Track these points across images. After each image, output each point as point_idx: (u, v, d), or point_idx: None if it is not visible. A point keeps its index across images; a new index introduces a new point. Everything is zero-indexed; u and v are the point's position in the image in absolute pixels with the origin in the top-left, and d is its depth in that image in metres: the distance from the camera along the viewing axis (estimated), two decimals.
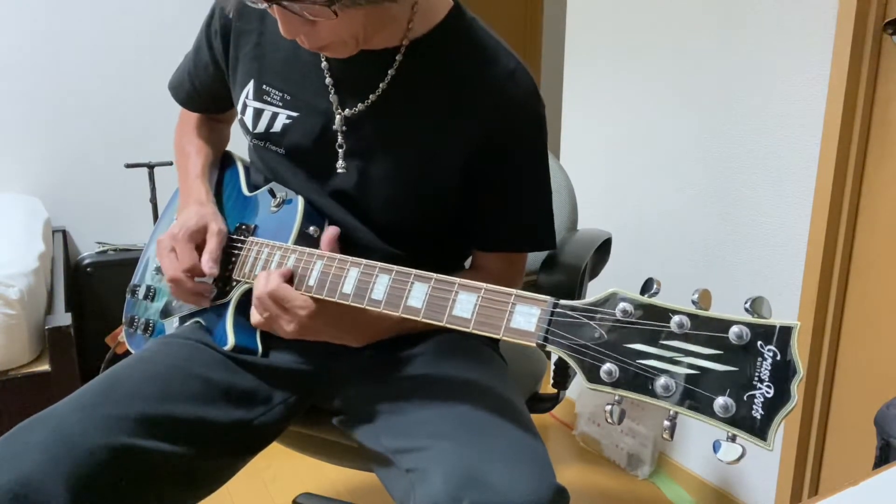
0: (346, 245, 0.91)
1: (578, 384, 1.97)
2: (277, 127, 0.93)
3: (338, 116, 0.90)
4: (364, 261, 0.77)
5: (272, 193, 0.96)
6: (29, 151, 2.18)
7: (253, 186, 1.03)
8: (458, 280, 0.71)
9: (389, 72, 0.88)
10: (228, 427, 0.87)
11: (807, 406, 1.44)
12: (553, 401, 1.14)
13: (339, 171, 0.91)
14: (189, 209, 0.95)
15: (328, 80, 0.90)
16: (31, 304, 1.50)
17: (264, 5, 0.74)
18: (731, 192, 1.52)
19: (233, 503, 1.69)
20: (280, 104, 0.93)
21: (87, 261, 2.13)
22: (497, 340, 1.08)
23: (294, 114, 0.92)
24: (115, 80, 2.19)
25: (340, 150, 0.91)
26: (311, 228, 0.91)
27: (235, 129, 1.14)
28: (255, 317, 0.83)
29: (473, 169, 0.91)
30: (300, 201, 0.92)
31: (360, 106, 0.90)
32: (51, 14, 2.12)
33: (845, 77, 1.25)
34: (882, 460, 1.04)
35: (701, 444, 1.70)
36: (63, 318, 1.49)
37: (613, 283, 1.71)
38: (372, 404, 0.89)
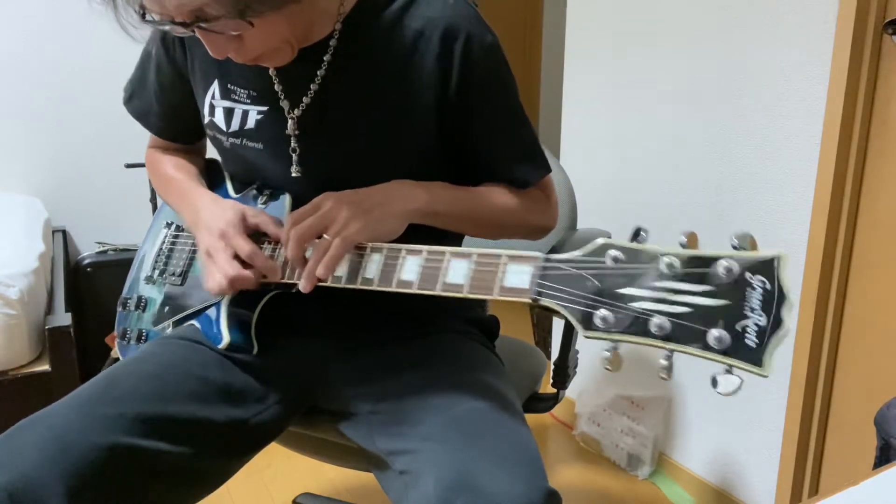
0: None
1: (578, 384, 1.97)
2: (251, 123, 0.92)
3: (290, 121, 0.90)
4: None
5: (259, 191, 0.96)
6: (29, 151, 2.18)
7: (239, 187, 1.02)
8: (448, 249, 0.71)
9: (325, 57, 0.88)
10: (225, 426, 0.86)
11: (807, 406, 1.44)
12: (553, 401, 1.14)
13: (294, 174, 0.91)
14: (211, 209, 0.90)
15: (277, 87, 0.90)
16: (31, 304, 1.50)
17: (183, 32, 0.74)
18: (731, 192, 1.52)
19: (233, 503, 1.69)
20: (248, 101, 0.92)
21: (87, 261, 2.13)
22: (494, 340, 1.08)
23: (264, 108, 0.92)
24: (116, 80, 2.19)
25: (294, 156, 0.91)
26: None
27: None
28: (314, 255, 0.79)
29: (445, 117, 0.90)
30: (287, 196, 0.92)
31: (305, 100, 0.89)
32: (51, 14, 2.12)
33: (845, 77, 1.25)
34: (882, 460, 1.04)
35: (701, 444, 1.70)
36: (63, 318, 1.49)
37: None
38: (367, 406, 0.89)
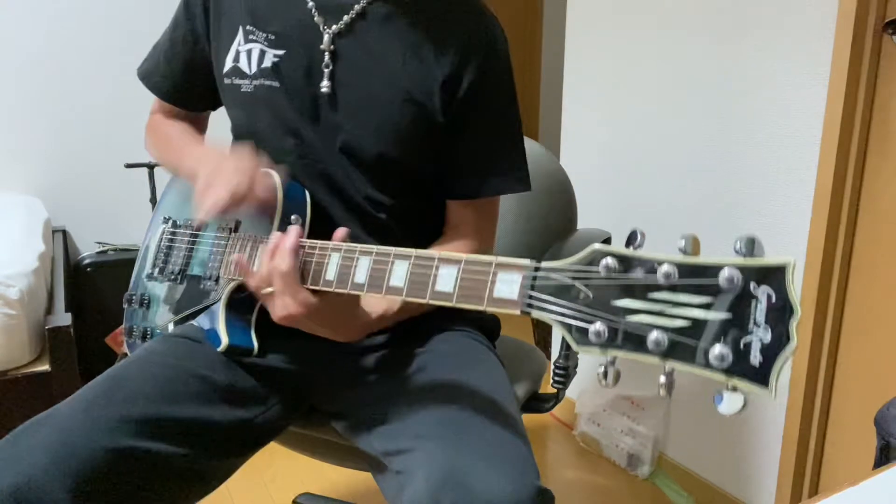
0: (333, 190, 0.94)
1: (578, 384, 1.97)
2: (268, 63, 0.95)
3: (325, 36, 0.93)
4: (344, 245, 0.77)
5: None
6: (29, 151, 2.18)
7: None
8: (437, 254, 0.68)
9: None
10: (228, 427, 0.87)
11: (807, 406, 1.44)
12: (553, 401, 1.14)
13: (323, 90, 0.93)
14: (219, 155, 0.89)
15: (310, 5, 0.93)
16: (31, 304, 1.50)
17: None
18: (730, 192, 1.52)
19: (233, 503, 1.69)
20: (265, 43, 0.95)
21: (87, 261, 2.13)
22: (494, 340, 1.08)
23: (280, 52, 0.94)
24: (116, 80, 2.19)
25: (326, 71, 0.93)
26: (293, 217, 0.89)
27: (212, 124, 1.12)
28: (253, 283, 0.81)
29: (449, 100, 0.94)
30: (279, 193, 0.90)
31: (346, 18, 0.93)
32: (52, 15, 2.12)
33: (845, 77, 1.25)
34: (882, 460, 1.04)
35: (701, 444, 1.70)
36: (63, 318, 1.49)
37: None
38: (366, 407, 0.89)
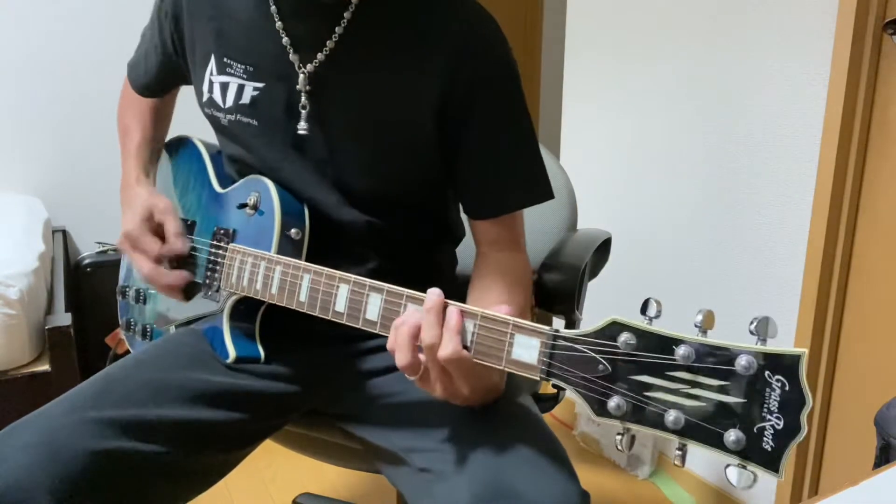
0: (327, 221, 0.91)
1: None
2: (246, 99, 0.91)
3: (301, 75, 0.88)
4: (353, 277, 0.75)
5: (246, 195, 0.93)
6: (29, 151, 2.18)
7: (225, 180, 1.00)
8: (452, 303, 0.67)
9: (346, 14, 0.86)
10: (225, 426, 0.86)
11: None
12: (553, 401, 1.14)
13: (300, 132, 0.89)
14: (130, 199, 0.99)
15: (285, 41, 0.88)
16: (31, 304, 1.50)
17: None
18: (731, 192, 1.52)
19: (233, 503, 1.69)
20: (244, 76, 0.91)
21: (87, 261, 2.13)
22: None
23: (260, 84, 0.90)
24: (116, 80, 2.19)
25: (303, 112, 0.88)
26: (293, 231, 0.88)
27: (198, 115, 1.12)
28: (404, 361, 0.69)
29: (445, 120, 0.88)
30: (276, 205, 0.89)
31: (319, 56, 0.87)
32: (52, 15, 2.12)
33: (845, 77, 1.25)
34: (882, 460, 1.04)
35: None
36: (63, 318, 1.49)
37: (613, 283, 1.71)
38: (381, 405, 0.89)
